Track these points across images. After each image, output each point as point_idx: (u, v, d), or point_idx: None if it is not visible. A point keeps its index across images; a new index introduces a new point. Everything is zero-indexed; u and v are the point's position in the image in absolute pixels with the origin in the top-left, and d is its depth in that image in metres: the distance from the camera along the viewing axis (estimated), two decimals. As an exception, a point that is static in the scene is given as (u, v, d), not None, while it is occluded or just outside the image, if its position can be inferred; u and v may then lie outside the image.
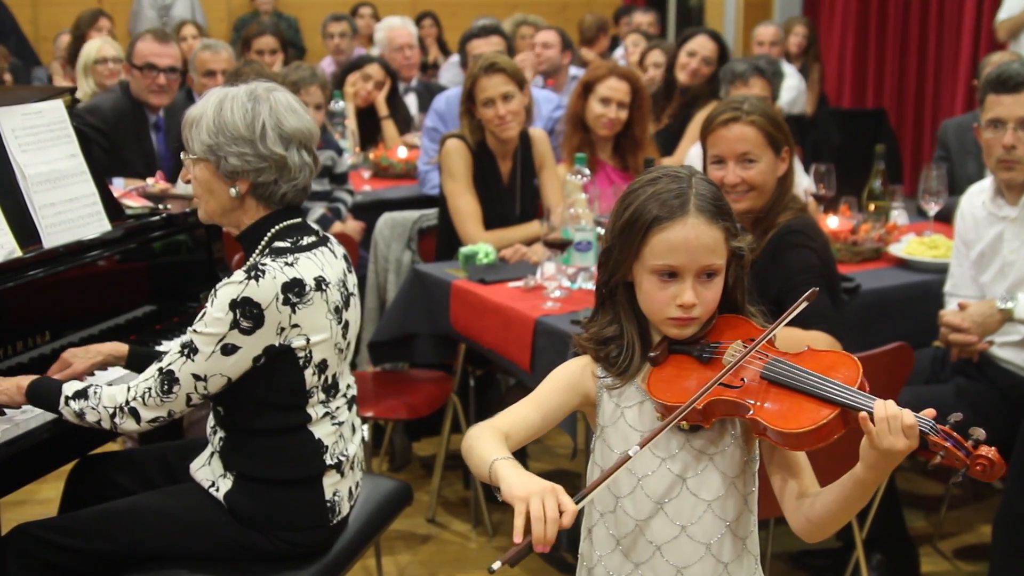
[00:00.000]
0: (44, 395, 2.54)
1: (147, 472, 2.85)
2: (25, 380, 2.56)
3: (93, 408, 2.49)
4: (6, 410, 2.58)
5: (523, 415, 1.92)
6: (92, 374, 2.75)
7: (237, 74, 4.47)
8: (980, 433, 1.72)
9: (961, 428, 1.73)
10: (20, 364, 2.73)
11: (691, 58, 5.53)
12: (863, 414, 1.72)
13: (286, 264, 2.44)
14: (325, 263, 2.54)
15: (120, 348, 2.76)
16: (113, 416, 2.48)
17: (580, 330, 2.01)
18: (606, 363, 1.94)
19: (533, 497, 1.63)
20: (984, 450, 1.71)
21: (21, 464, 2.57)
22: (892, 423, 1.70)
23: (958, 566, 3.85)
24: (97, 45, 5.88)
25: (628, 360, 1.92)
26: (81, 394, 2.50)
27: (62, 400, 2.51)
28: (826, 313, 2.99)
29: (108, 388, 2.50)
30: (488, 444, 1.81)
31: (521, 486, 1.66)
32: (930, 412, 1.73)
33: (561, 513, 1.62)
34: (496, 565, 1.61)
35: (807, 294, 1.90)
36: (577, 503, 1.67)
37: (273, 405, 2.52)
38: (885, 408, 1.71)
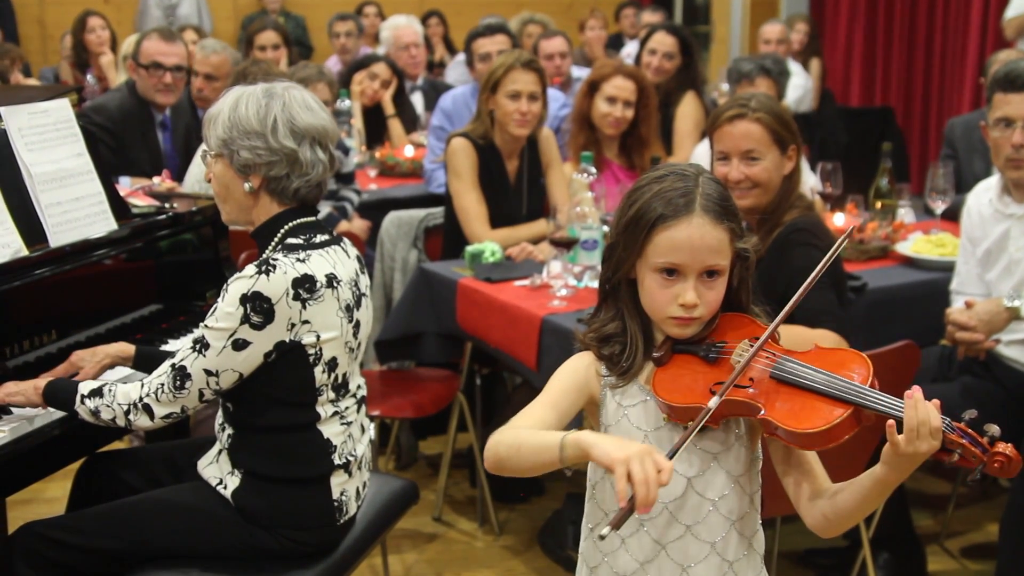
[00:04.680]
0: (60, 395, 2.56)
1: (154, 470, 2.85)
2: (41, 381, 2.59)
3: (108, 406, 2.50)
4: (13, 409, 2.59)
5: (540, 417, 1.89)
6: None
7: (244, 74, 4.47)
8: (995, 430, 1.71)
9: (975, 425, 1.72)
10: (26, 363, 2.73)
11: (652, 56, 5.53)
12: (890, 422, 1.70)
13: (297, 260, 2.45)
14: (337, 261, 2.55)
15: (127, 349, 2.76)
16: (127, 413, 2.49)
17: (585, 327, 2.00)
18: (608, 361, 1.93)
19: (633, 460, 1.62)
20: (1001, 447, 1.70)
21: (28, 462, 2.57)
22: (922, 429, 1.68)
23: (965, 565, 3.85)
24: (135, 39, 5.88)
25: (631, 359, 1.91)
26: (96, 392, 2.52)
27: (78, 399, 2.53)
28: (833, 311, 2.99)
29: (122, 386, 2.52)
30: (536, 432, 1.81)
31: (618, 449, 1.65)
32: (935, 403, 1.72)
33: (659, 472, 1.62)
34: (605, 531, 1.63)
35: (847, 232, 1.92)
36: (670, 458, 1.67)
37: (282, 402, 2.52)
38: (916, 414, 1.68)
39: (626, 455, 1.63)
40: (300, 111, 2.54)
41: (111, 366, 2.75)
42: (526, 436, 1.81)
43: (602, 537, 1.63)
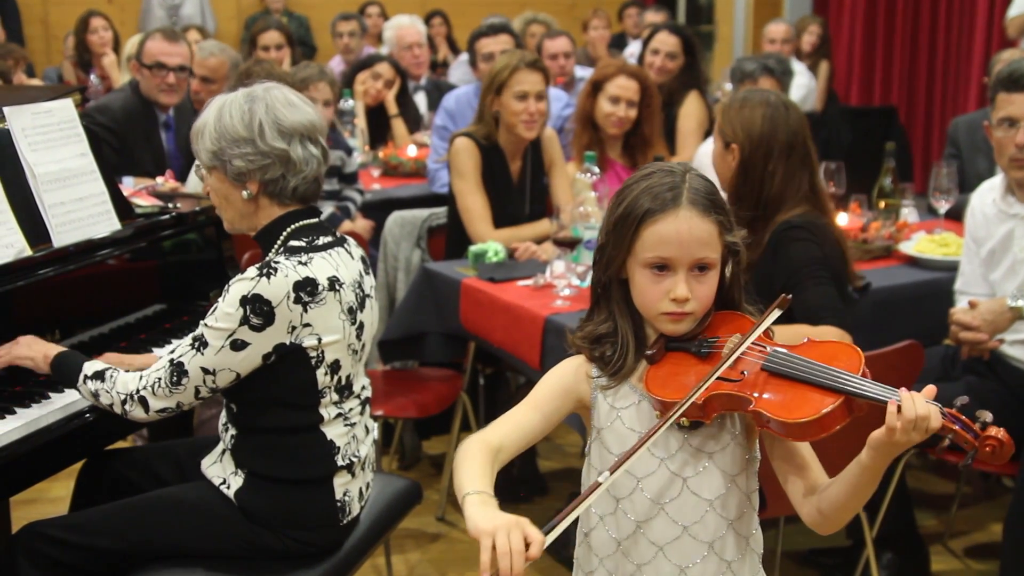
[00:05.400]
0: (66, 369, 2.59)
1: (158, 470, 2.86)
2: (53, 350, 2.62)
3: (107, 391, 2.53)
4: (17, 409, 2.60)
5: (520, 421, 1.90)
6: None
7: (248, 74, 4.48)
8: (987, 415, 1.71)
9: (967, 412, 1.72)
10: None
11: (655, 56, 5.54)
12: (894, 400, 1.70)
13: (299, 263, 2.45)
14: (340, 263, 2.55)
15: (151, 360, 2.78)
16: (124, 403, 2.52)
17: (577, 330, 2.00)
18: (600, 362, 1.93)
19: (499, 531, 1.60)
20: (992, 431, 1.69)
21: (32, 462, 2.57)
22: (920, 424, 1.68)
23: (969, 565, 3.84)
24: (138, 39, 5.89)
25: (622, 358, 1.90)
26: (99, 375, 2.55)
27: (80, 378, 2.56)
28: (833, 306, 2.98)
29: (123, 374, 2.54)
30: (470, 470, 1.77)
31: (486, 520, 1.63)
32: (931, 390, 1.72)
33: (528, 545, 1.59)
34: None
35: (777, 301, 1.88)
36: (545, 534, 1.64)
37: (284, 404, 2.52)
38: (916, 409, 1.68)
39: (492, 526, 1.61)
40: (284, 110, 2.54)
41: None
42: (464, 465, 1.79)
43: None
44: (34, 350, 2.62)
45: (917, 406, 1.69)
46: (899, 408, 1.69)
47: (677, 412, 1.79)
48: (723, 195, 1.94)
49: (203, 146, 2.55)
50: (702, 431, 1.88)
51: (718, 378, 1.81)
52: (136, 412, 2.52)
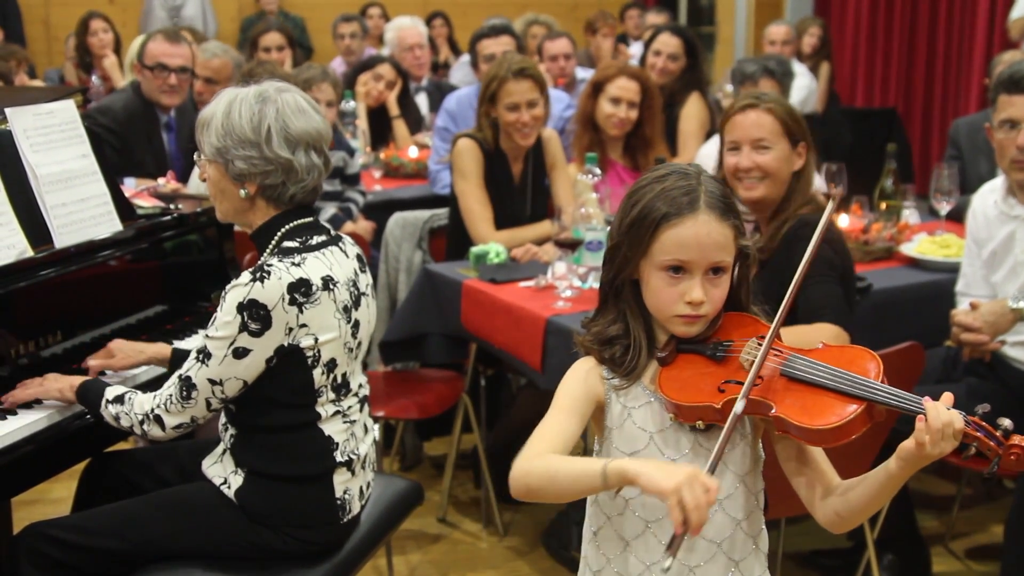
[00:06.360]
0: (90, 397, 2.62)
1: (159, 470, 2.86)
2: (77, 380, 2.65)
3: (127, 414, 2.55)
4: (18, 410, 2.60)
5: (563, 430, 1.88)
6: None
7: (250, 74, 4.48)
8: (1008, 423, 1.72)
9: (988, 419, 1.73)
10: (32, 364, 2.73)
11: (657, 57, 5.54)
12: (921, 416, 1.71)
13: (292, 264, 2.46)
14: (334, 262, 2.55)
15: (164, 351, 2.82)
16: (142, 423, 2.54)
17: (585, 332, 2.00)
18: (611, 364, 1.93)
19: (684, 488, 1.62)
20: (1016, 439, 1.70)
21: (34, 463, 2.58)
22: (946, 430, 1.69)
23: (970, 566, 3.84)
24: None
25: (635, 359, 1.90)
26: (119, 399, 2.57)
27: (103, 403, 2.58)
28: (833, 305, 2.98)
29: (140, 396, 2.57)
30: (569, 460, 1.79)
31: (667, 478, 1.64)
32: (948, 397, 1.73)
33: (707, 492, 1.63)
34: (668, 563, 1.63)
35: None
36: (712, 472, 1.71)
37: (282, 404, 2.53)
38: (940, 416, 1.69)
39: (676, 484, 1.63)
40: (293, 116, 2.53)
41: (146, 364, 2.83)
42: (559, 465, 1.79)
43: (666, 570, 1.63)
44: (61, 383, 2.65)
45: (941, 414, 1.70)
46: (924, 418, 1.70)
47: (736, 419, 1.79)
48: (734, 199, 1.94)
49: (207, 139, 2.54)
50: (714, 432, 1.87)
51: (739, 383, 1.81)
52: (154, 431, 2.53)
